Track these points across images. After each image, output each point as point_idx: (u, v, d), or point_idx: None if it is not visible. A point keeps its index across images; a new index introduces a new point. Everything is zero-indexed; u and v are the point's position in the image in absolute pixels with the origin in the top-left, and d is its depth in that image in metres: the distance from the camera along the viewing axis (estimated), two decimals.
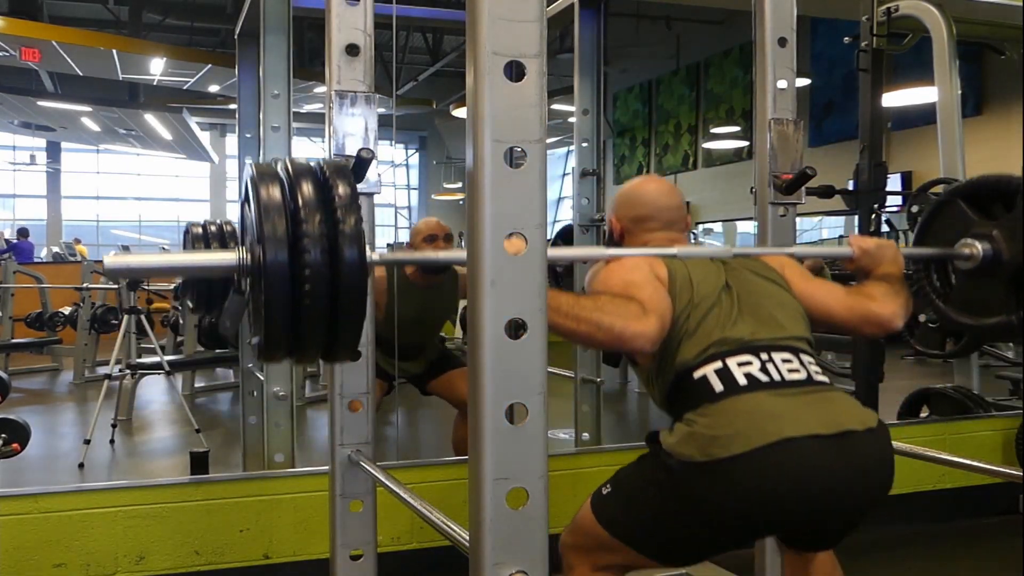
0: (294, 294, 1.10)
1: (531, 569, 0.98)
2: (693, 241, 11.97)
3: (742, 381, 1.53)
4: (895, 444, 2.09)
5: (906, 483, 3.30)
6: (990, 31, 4.42)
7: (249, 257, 1.16)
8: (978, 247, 1.72)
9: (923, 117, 7.62)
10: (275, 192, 1.13)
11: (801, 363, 1.59)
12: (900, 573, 2.97)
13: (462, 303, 3.94)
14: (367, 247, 1.13)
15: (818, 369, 1.61)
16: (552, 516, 1.01)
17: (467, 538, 1.03)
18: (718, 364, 1.56)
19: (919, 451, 2.12)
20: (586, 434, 3.52)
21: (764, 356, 1.57)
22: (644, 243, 1.83)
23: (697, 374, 1.57)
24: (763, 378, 1.54)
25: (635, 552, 1.62)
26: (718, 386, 1.54)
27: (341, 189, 1.13)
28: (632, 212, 1.85)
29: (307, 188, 1.12)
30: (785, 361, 1.58)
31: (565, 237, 3.85)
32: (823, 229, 17.36)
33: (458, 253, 1.18)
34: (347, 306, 1.12)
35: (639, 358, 1.69)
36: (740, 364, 1.55)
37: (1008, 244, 1.68)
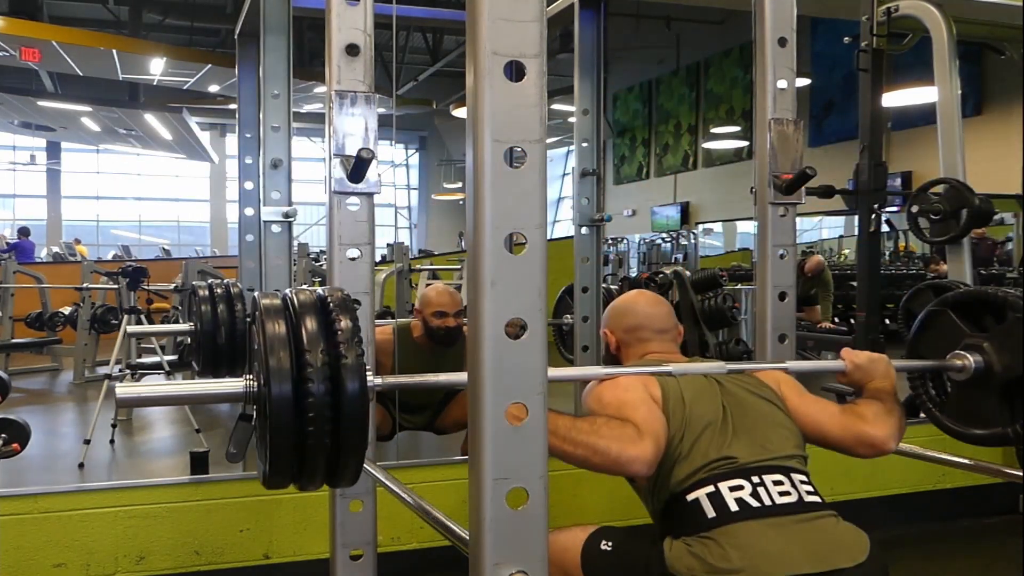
0: (298, 425, 1.14)
1: (531, 569, 0.98)
2: (692, 240, 11.99)
3: (733, 507, 1.57)
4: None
5: (906, 483, 3.31)
6: (990, 31, 4.41)
7: (255, 385, 1.22)
8: (969, 359, 1.71)
9: (923, 117, 7.63)
10: (280, 327, 1.18)
11: (792, 484, 1.62)
12: (900, 573, 2.97)
13: None
14: (368, 372, 1.17)
15: (810, 488, 1.65)
16: (552, 516, 1.01)
17: (467, 538, 1.03)
18: (710, 488, 1.60)
19: (919, 451, 2.12)
20: None
21: (756, 479, 1.60)
22: (639, 353, 1.89)
23: (690, 497, 1.61)
24: (754, 504, 1.57)
25: None
26: (710, 511, 1.58)
27: (344, 323, 1.17)
28: (623, 322, 1.93)
29: (311, 323, 1.17)
30: (776, 483, 1.61)
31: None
32: (823, 229, 17.34)
33: (459, 376, 1.21)
34: (350, 435, 1.16)
35: (636, 478, 1.71)
36: (732, 489, 1.59)
37: (999, 357, 1.68)
